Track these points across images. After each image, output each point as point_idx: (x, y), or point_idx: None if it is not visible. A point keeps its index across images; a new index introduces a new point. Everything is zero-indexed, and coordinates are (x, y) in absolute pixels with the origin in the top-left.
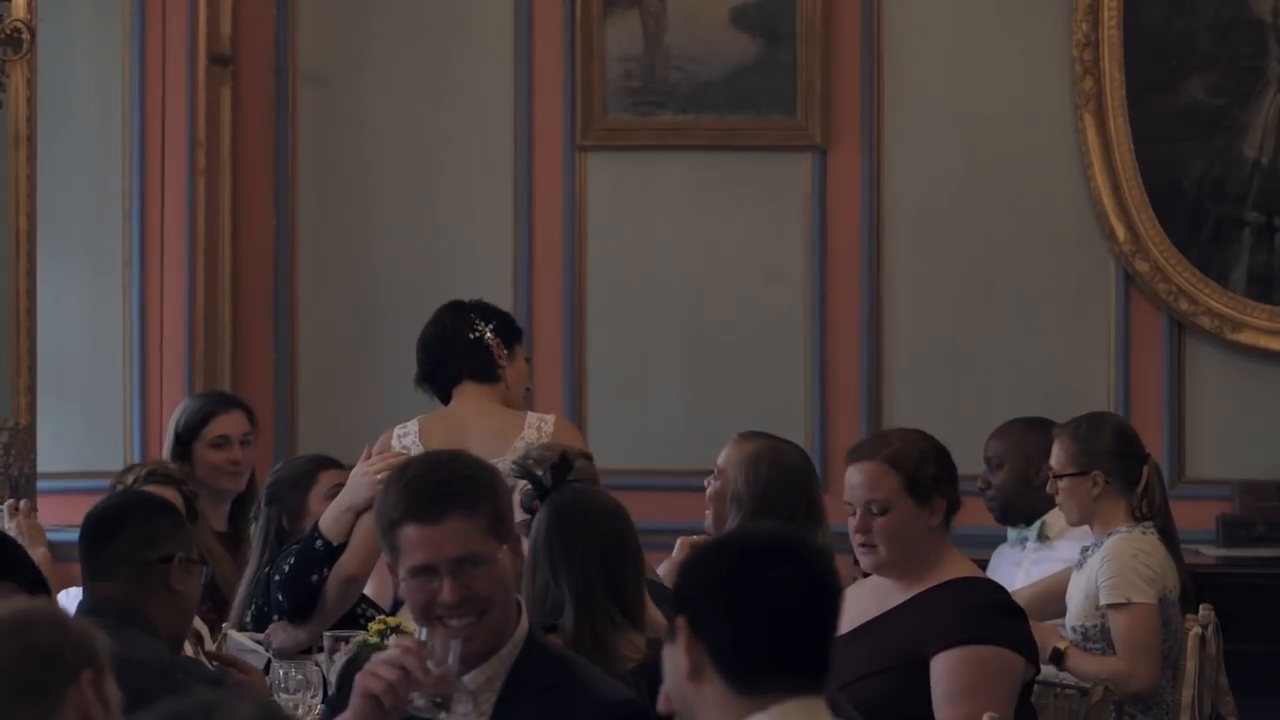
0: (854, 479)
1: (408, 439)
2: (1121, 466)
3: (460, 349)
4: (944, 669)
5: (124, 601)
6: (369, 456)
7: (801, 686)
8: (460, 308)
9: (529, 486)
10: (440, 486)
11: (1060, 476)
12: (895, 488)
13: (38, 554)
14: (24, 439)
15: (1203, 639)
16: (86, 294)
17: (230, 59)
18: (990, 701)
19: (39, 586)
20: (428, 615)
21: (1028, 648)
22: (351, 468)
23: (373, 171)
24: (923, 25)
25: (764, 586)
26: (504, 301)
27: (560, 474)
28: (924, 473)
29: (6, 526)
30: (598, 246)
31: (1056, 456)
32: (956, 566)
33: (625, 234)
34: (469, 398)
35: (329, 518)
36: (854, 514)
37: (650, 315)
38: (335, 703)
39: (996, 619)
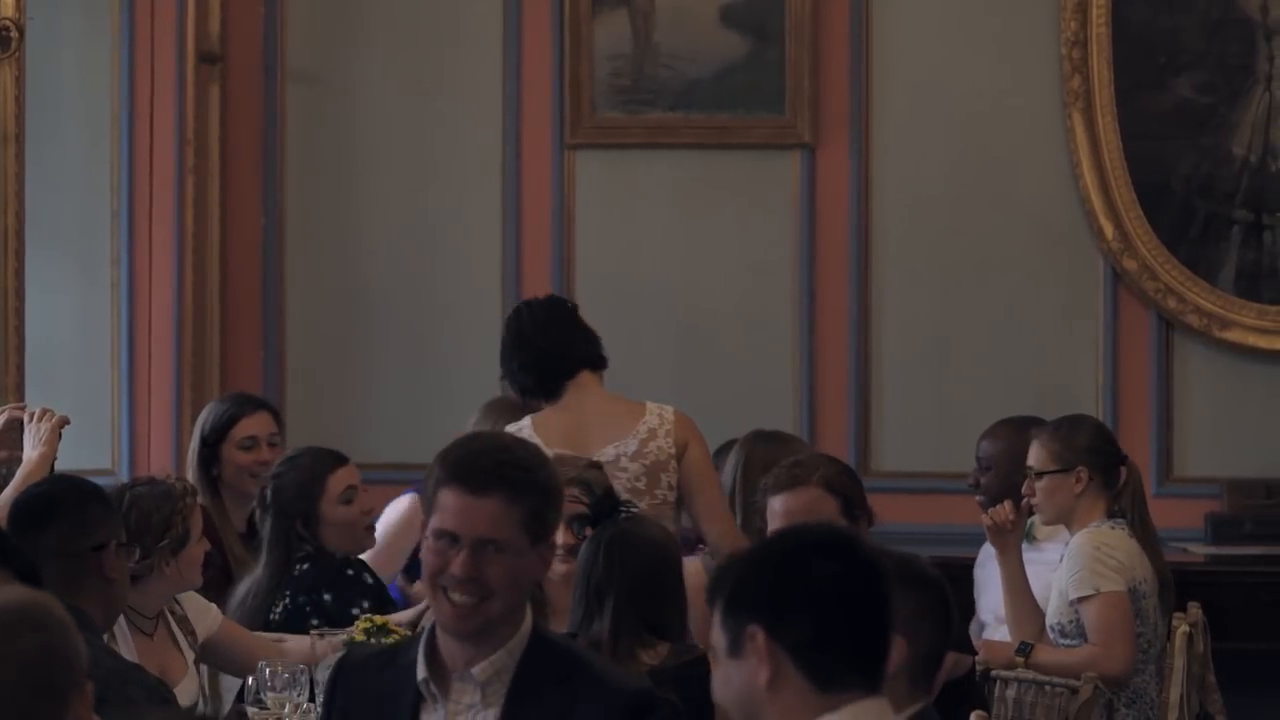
0: (790, 505)
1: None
2: (1103, 464)
3: (578, 337)
4: None
5: (58, 594)
6: None
7: (870, 687)
8: (554, 299)
9: (578, 514)
10: (496, 465)
11: (1042, 475)
12: (835, 511)
13: (36, 454)
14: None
15: (1190, 637)
16: (75, 292)
17: (219, 57)
18: None
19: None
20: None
21: None
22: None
23: (362, 170)
24: (911, 23)
25: (833, 579)
26: (492, 299)
27: (604, 509)
28: (855, 494)
29: (28, 429)
30: (587, 244)
31: (1037, 455)
32: None
33: (614, 232)
34: (587, 389)
35: None
36: None
37: (639, 312)
38: (330, 707)
39: None
